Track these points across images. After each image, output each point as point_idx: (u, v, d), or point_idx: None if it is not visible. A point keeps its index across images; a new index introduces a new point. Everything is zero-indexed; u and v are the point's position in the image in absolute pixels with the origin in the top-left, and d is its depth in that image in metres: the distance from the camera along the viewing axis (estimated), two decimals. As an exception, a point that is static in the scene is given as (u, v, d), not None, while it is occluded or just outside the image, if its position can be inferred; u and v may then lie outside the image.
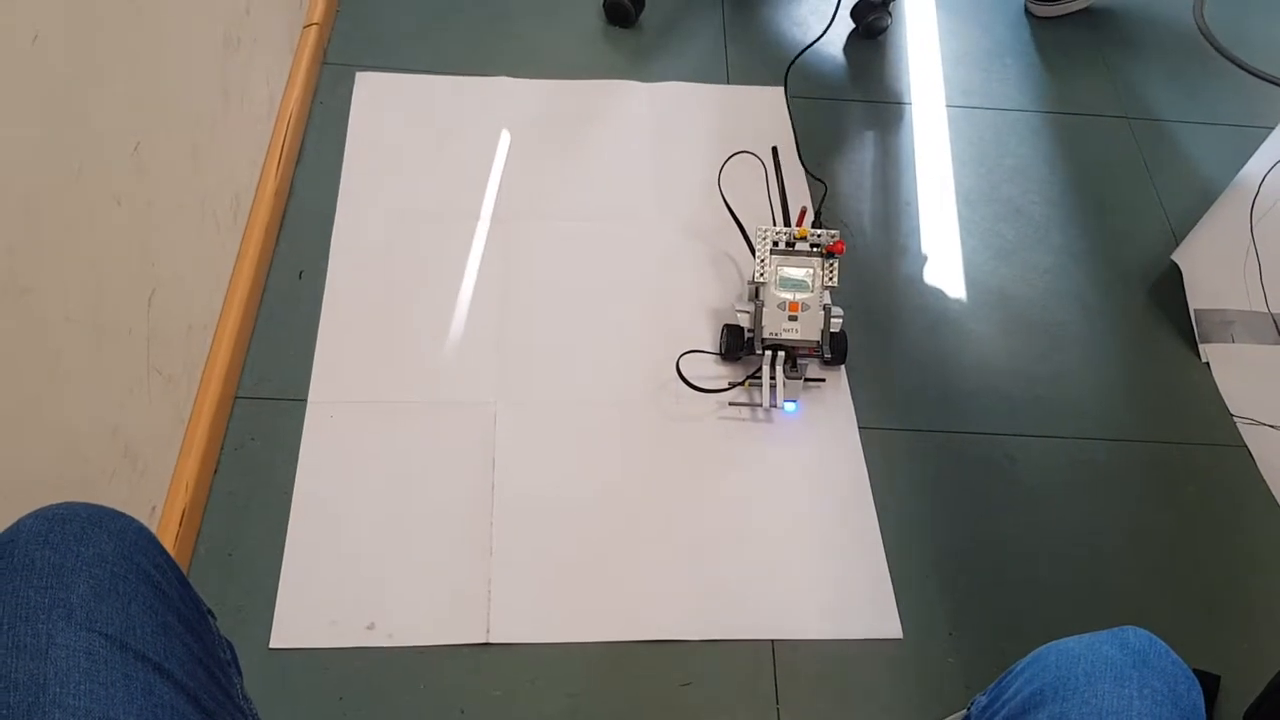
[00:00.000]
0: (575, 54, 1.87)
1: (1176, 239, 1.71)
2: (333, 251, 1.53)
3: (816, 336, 1.40)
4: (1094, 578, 1.35)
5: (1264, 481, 1.46)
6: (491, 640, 1.21)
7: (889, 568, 1.32)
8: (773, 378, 1.39)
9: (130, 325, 1.09)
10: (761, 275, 1.42)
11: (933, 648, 1.26)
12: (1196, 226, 1.71)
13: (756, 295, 1.44)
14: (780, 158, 1.60)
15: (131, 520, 0.68)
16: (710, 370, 1.46)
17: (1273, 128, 1.86)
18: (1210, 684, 1.24)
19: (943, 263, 1.66)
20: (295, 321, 1.45)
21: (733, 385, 1.43)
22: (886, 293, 1.61)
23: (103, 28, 1.00)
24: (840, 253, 1.42)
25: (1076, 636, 0.74)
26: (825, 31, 1.84)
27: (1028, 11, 2.10)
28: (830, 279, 1.42)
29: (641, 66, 1.86)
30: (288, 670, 1.16)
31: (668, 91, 1.83)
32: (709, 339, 1.50)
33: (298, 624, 1.19)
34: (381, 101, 1.73)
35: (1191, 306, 1.61)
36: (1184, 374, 1.57)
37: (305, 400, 1.37)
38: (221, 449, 1.32)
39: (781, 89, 1.85)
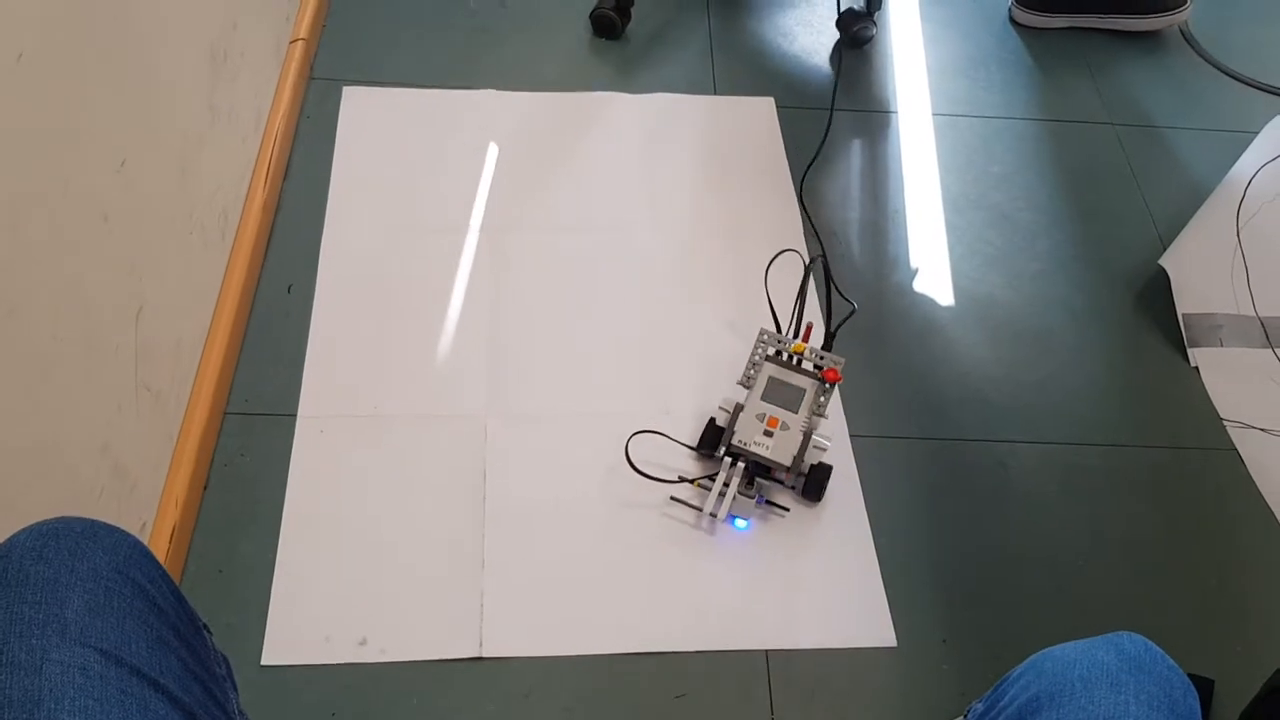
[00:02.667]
0: (562, 66, 1.87)
1: (1163, 244, 1.72)
2: (321, 266, 1.52)
3: (786, 461, 1.28)
4: (1087, 583, 1.35)
5: (1254, 484, 1.46)
6: (485, 654, 1.20)
7: (882, 576, 1.32)
8: (726, 484, 1.29)
9: (118, 342, 1.09)
10: (749, 380, 1.36)
11: (927, 656, 1.26)
12: (1183, 231, 1.71)
13: (748, 385, 1.37)
14: (815, 269, 1.45)
15: (126, 534, 0.67)
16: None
17: (1257, 132, 1.87)
18: (1205, 688, 1.24)
19: (931, 270, 1.66)
20: (284, 336, 1.45)
21: (682, 480, 1.33)
22: (876, 300, 1.61)
23: (88, 44, 1.00)
24: (833, 380, 1.34)
25: (1072, 643, 0.74)
26: (824, 140, 1.79)
27: (1012, 20, 2.11)
28: (820, 408, 1.33)
29: (629, 78, 1.87)
30: (280, 687, 1.16)
31: (655, 103, 1.83)
32: (699, 351, 1.50)
33: (289, 640, 1.19)
34: (368, 116, 1.73)
35: (1179, 311, 1.61)
36: (1173, 378, 1.57)
37: (295, 415, 1.37)
38: (211, 465, 1.32)
39: (770, 99, 1.86)
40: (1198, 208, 1.75)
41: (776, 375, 1.34)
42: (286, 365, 1.42)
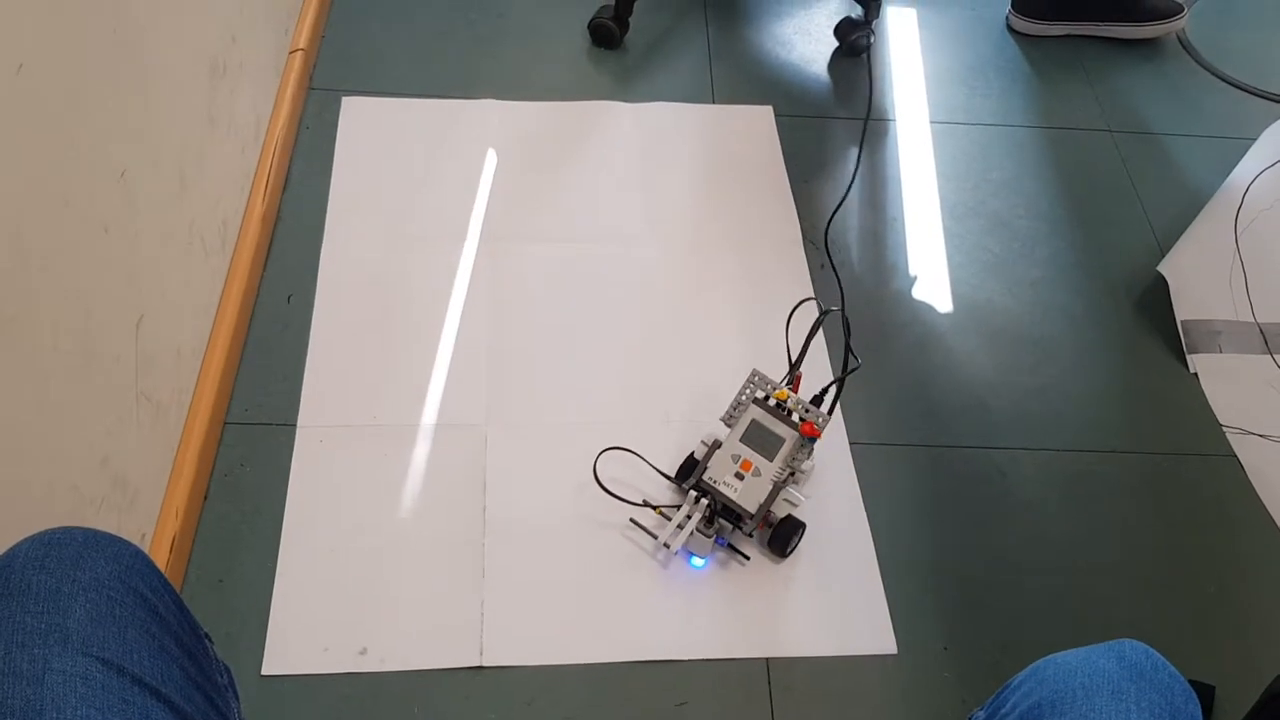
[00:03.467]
0: (560, 76, 1.88)
1: (1162, 250, 1.72)
2: (321, 275, 1.52)
3: (750, 507, 1.24)
4: (1087, 590, 1.35)
5: (1254, 491, 1.46)
6: (485, 664, 1.20)
7: (883, 583, 1.32)
8: (688, 516, 1.26)
9: (118, 352, 1.09)
10: (730, 418, 1.32)
11: (928, 663, 1.26)
12: (1182, 238, 1.72)
13: (729, 423, 1.32)
14: (825, 321, 1.38)
15: (128, 544, 0.67)
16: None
17: (1255, 138, 1.87)
18: (1205, 695, 1.24)
19: (930, 278, 1.67)
20: (284, 346, 1.45)
21: (646, 504, 1.31)
22: (875, 308, 1.61)
23: (89, 56, 1.00)
24: (809, 435, 1.27)
25: (1073, 650, 0.74)
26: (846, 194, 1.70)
27: (1010, 28, 2.12)
28: (799, 460, 1.28)
29: (627, 87, 1.87)
30: (280, 697, 1.15)
31: (654, 112, 1.83)
32: (699, 359, 1.50)
33: (290, 650, 1.19)
34: (368, 125, 1.73)
35: (1178, 317, 1.62)
36: (1172, 385, 1.57)
37: (295, 425, 1.37)
38: (211, 475, 1.32)
39: (769, 108, 1.86)
40: (1196, 214, 1.75)
41: (760, 419, 1.29)
42: (286, 375, 1.42)
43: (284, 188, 1.63)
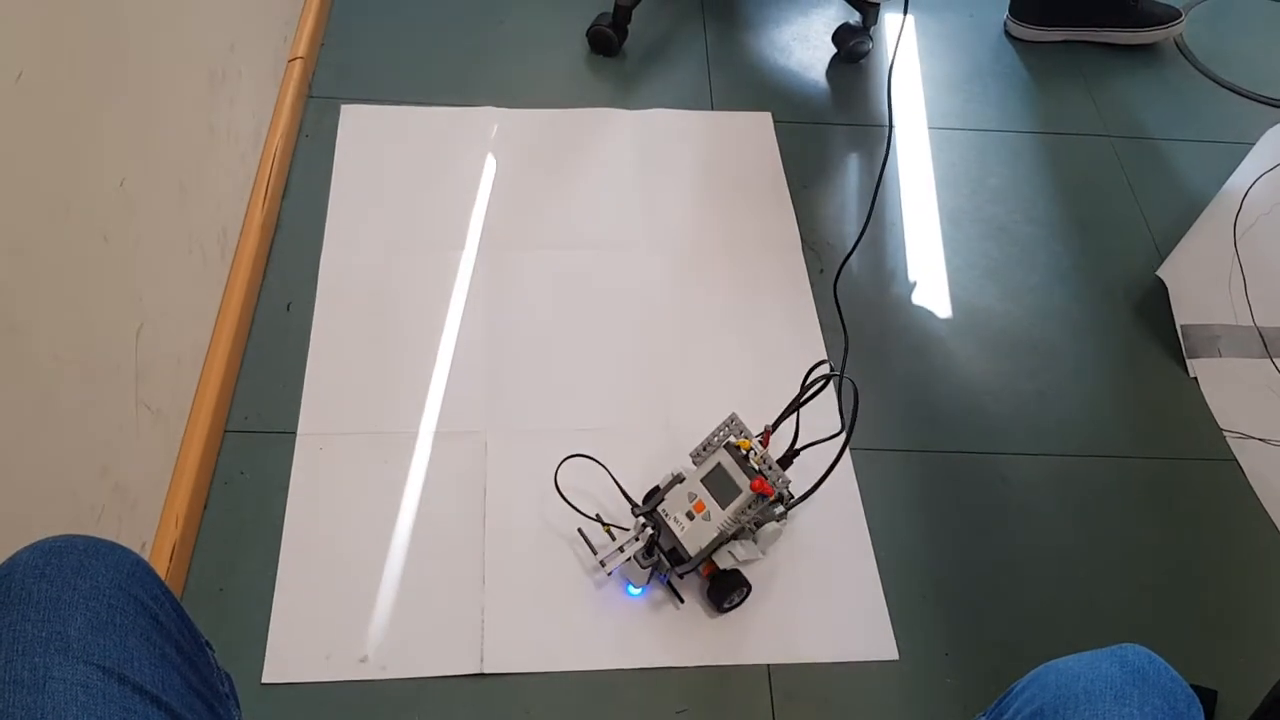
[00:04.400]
0: (560, 83, 1.88)
1: (1161, 255, 1.72)
2: (320, 283, 1.52)
3: (690, 549, 1.20)
4: (1089, 595, 1.35)
5: (1255, 495, 1.46)
6: (485, 670, 1.20)
7: (884, 589, 1.31)
8: (634, 539, 1.23)
9: (118, 361, 1.09)
10: (698, 457, 1.28)
11: (930, 669, 1.26)
12: (1181, 242, 1.72)
13: (695, 461, 1.29)
14: (818, 379, 1.33)
15: (128, 552, 0.67)
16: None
17: (1253, 143, 1.88)
18: (1208, 699, 1.24)
19: (929, 283, 1.67)
20: (284, 354, 1.45)
21: (598, 518, 1.29)
22: (874, 314, 1.61)
23: (88, 65, 1.00)
24: (759, 491, 1.19)
25: (1076, 655, 0.74)
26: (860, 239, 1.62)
27: (1008, 34, 2.12)
28: (752, 515, 1.21)
29: (626, 94, 1.87)
30: (281, 705, 1.15)
31: (653, 118, 1.83)
32: (697, 364, 1.50)
33: (290, 658, 1.18)
34: (367, 133, 1.73)
35: (1178, 322, 1.62)
36: (1172, 389, 1.57)
37: (294, 433, 1.37)
38: (211, 483, 1.31)
39: (767, 114, 1.86)
40: (1195, 219, 1.76)
41: (725, 465, 1.23)
42: (286, 383, 1.41)
43: (283, 195, 1.63)
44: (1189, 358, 1.59)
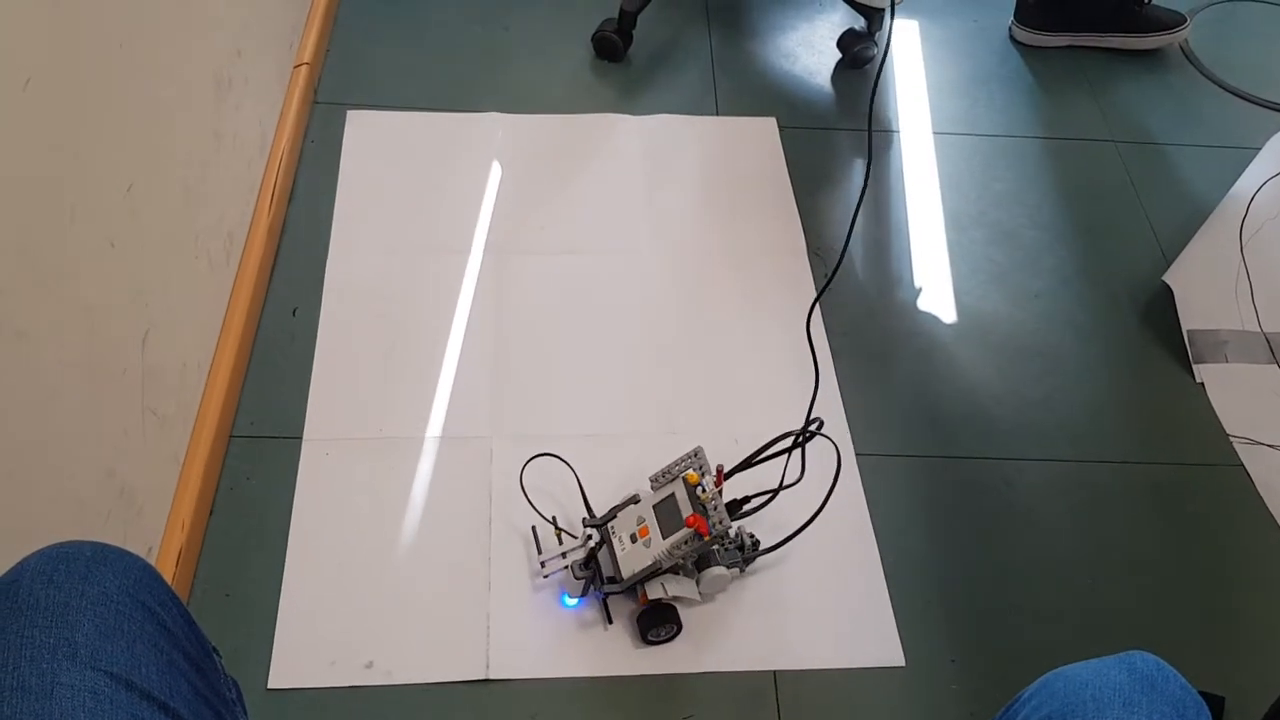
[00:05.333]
0: (565, 88, 1.88)
1: (1167, 260, 1.72)
2: (326, 288, 1.53)
3: (622, 572, 1.18)
4: (1095, 601, 1.34)
5: (1262, 500, 1.45)
6: (491, 676, 1.20)
7: (890, 595, 1.31)
8: (580, 546, 1.23)
9: (125, 366, 1.09)
10: (656, 482, 1.25)
11: (936, 675, 1.26)
12: (1186, 247, 1.72)
13: (654, 486, 1.26)
14: (806, 434, 1.27)
15: (136, 557, 0.67)
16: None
17: (1259, 148, 1.88)
18: (1216, 706, 1.24)
19: (934, 288, 1.66)
20: (289, 359, 1.45)
21: (554, 520, 1.28)
22: (879, 319, 1.61)
23: (95, 71, 1.00)
24: (692, 526, 1.15)
25: (1084, 662, 0.74)
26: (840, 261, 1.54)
27: (1013, 39, 2.12)
28: (682, 550, 1.16)
29: (631, 99, 1.87)
30: (286, 710, 1.15)
31: (658, 124, 1.83)
32: (703, 370, 1.50)
33: (296, 664, 1.18)
34: (372, 139, 1.74)
35: (1184, 327, 1.61)
36: (1179, 395, 1.57)
37: (300, 438, 1.37)
38: (217, 488, 1.32)
39: (772, 120, 1.86)
40: (1200, 224, 1.75)
41: (679, 495, 1.19)
42: (292, 388, 1.42)
43: (289, 201, 1.63)
44: (1195, 363, 1.59)
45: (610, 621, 1.25)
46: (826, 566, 1.33)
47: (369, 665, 1.19)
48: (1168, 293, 1.65)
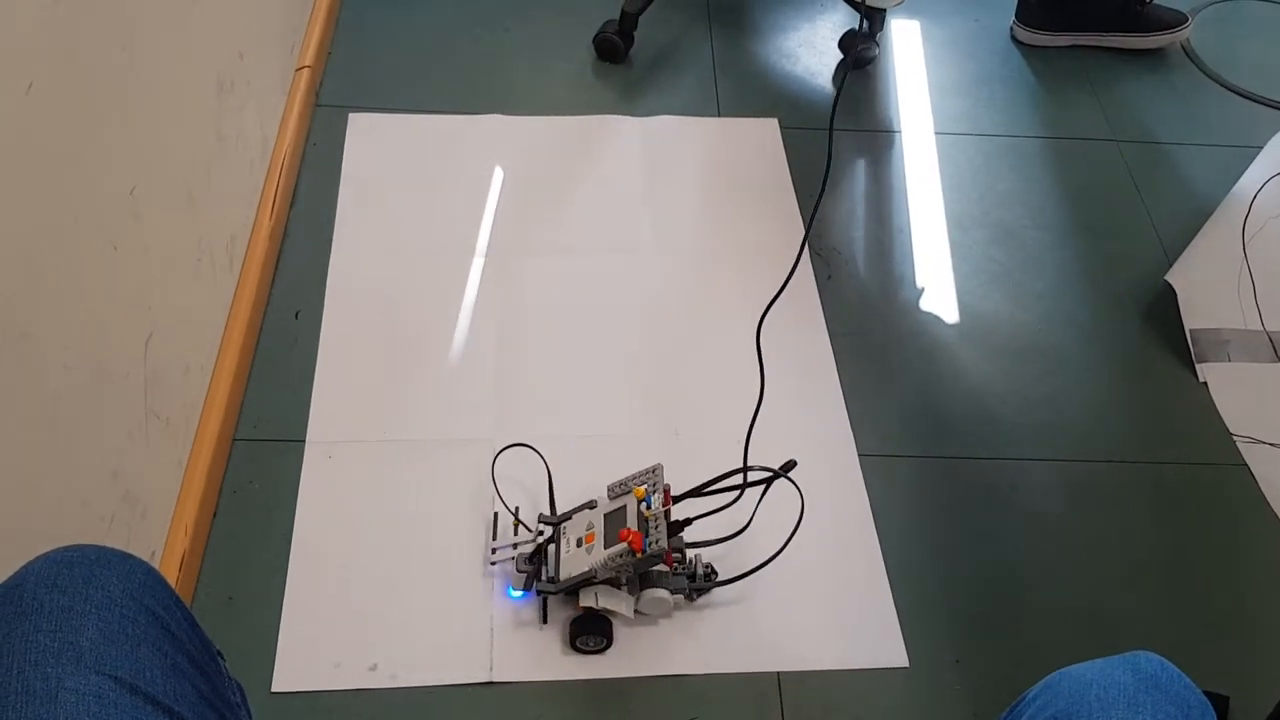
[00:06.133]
0: (566, 90, 1.88)
1: (1169, 259, 1.72)
2: (329, 291, 1.53)
3: (561, 574, 1.19)
4: (1099, 601, 1.34)
5: (1266, 500, 1.45)
6: (495, 679, 1.20)
7: (893, 596, 1.31)
8: (518, 547, 1.23)
9: (128, 369, 1.09)
10: (612, 492, 1.24)
11: (939, 676, 1.26)
12: (1189, 247, 1.72)
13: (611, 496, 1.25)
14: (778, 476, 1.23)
15: (140, 561, 0.67)
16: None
17: (1261, 147, 1.88)
18: (1220, 705, 1.24)
19: (937, 289, 1.66)
20: (292, 362, 1.45)
21: (516, 510, 1.29)
22: (882, 319, 1.61)
23: (97, 75, 1.00)
24: (626, 542, 1.13)
25: (1088, 662, 0.74)
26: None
27: (1014, 39, 2.12)
28: (616, 564, 1.14)
29: (632, 101, 1.88)
30: (291, 713, 1.15)
31: (659, 125, 1.84)
32: (706, 372, 1.50)
33: (300, 666, 1.18)
34: (374, 141, 1.74)
35: (1187, 326, 1.61)
36: (1182, 394, 1.57)
37: (303, 441, 1.37)
38: (220, 492, 1.32)
39: (774, 120, 1.86)
40: (1203, 223, 1.75)
41: (629, 509, 1.18)
42: (294, 391, 1.42)
43: (291, 204, 1.63)
44: (1198, 362, 1.59)
45: (545, 621, 1.24)
46: (829, 567, 1.33)
47: (373, 668, 1.19)
48: (1170, 292, 1.65)
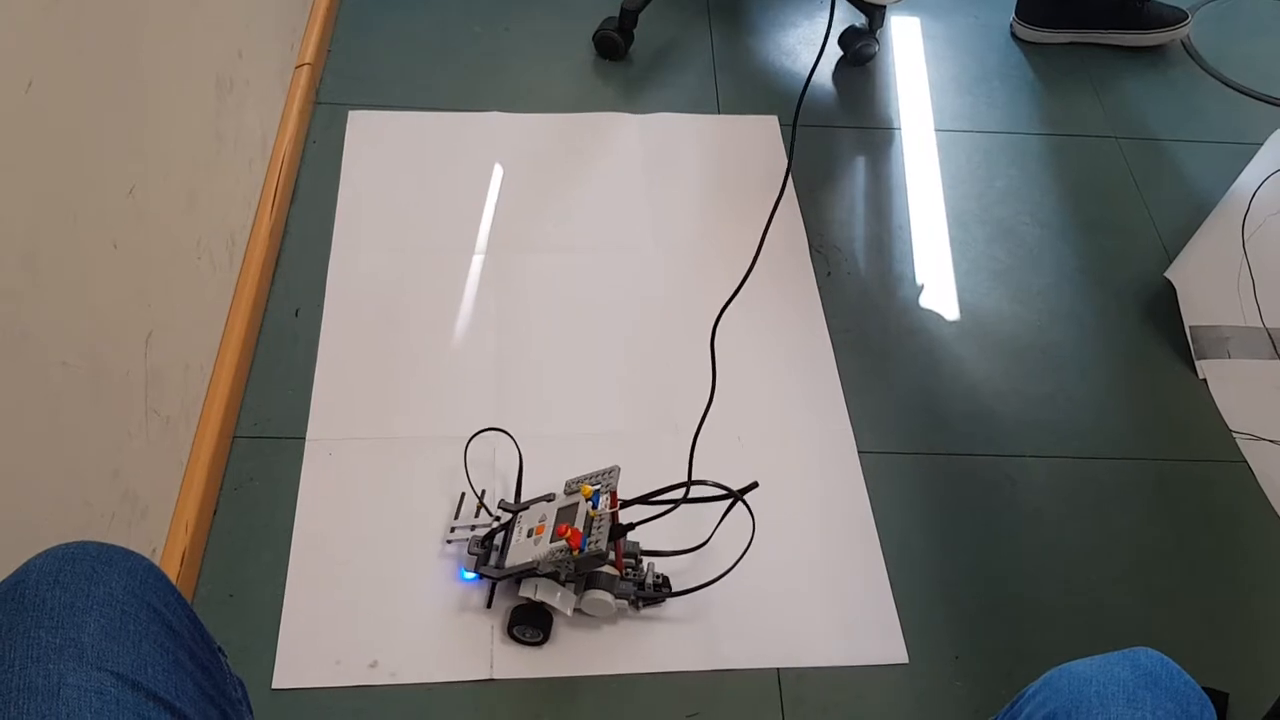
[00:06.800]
0: (566, 88, 1.88)
1: (1169, 256, 1.72)
2: (329, 289, 1.53)
3: (505, 561, 1.19)
4: (1098, 597, 1.34)
5: (1265, 496, 1.45)
6: (496, 676, 1.20)
7: (893, 592, 1.31)
8: (475, 530, 1.25)
9: (128, 368, 1.09)
10: (568, 488, 1.26)
11: (939, 672, 1.26)
12: (1189, 244, 1.72)
13: (567, 491, 1.26)
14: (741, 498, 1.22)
15: (141, 558, 0.68)
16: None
17: (1261, 143, 1.88)
18: (1219, 701, 1.24)
19: (937, 285, 1.66)
20: (292, 359, 1.45)
21: (481, 494, 1.30)
22: (882, 316, 1.61)
23: (97, 73, 1.00)
24: (563, 536, 1.12)
25: (1088, 659, 0.74)
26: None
27: (1014, 36, 2.12)
28: (555, 558, 1.14)
29: (632, 98, 1.87)
30: (291, 710, 1.15)
31: (659, 123, 1.84)
32: (706, 370, 1.50)
33: (300, 663, 1.19)
34: (374, 139, 1.74)
35: (1187, 323, 1.61)
36: (1182, 391, 1.57)
37: (304, 438, 1.37)
38: (221, 489, 1.32)
39: (773, 118, 1.86)
40: (1202, 220, 1.75)
41: (581, 506, 1.18)
42: (295, 389, 1.42)
43: (291, 202, 1.63)
44: (1198, 359, 1.59)
45: (489, 605, 1.24)
46: (829, 564, 1.33)
47: (373, 665, 1.19)
48: (1170, 289, 1.65)
